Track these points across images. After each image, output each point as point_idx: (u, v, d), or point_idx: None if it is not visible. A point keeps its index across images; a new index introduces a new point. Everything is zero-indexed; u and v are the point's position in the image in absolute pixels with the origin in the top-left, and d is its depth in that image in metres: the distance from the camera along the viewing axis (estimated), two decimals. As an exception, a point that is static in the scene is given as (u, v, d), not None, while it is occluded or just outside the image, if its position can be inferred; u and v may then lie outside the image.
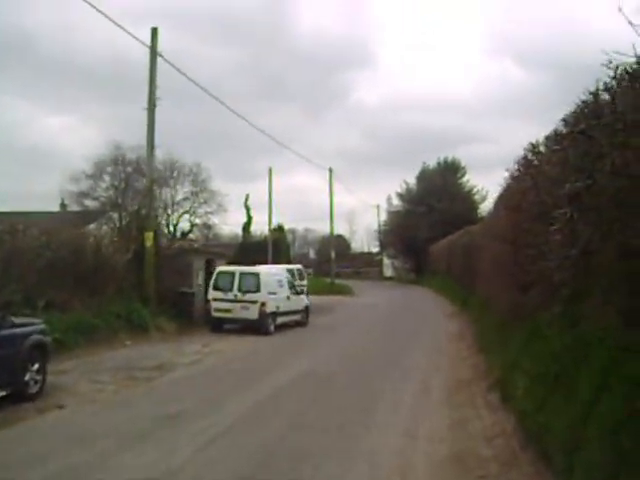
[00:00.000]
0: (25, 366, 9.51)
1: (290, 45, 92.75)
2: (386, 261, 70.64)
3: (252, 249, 36.60)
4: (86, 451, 6.90)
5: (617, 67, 5.49)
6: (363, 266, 72.66)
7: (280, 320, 20.60)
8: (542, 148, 9.45)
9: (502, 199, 13.92)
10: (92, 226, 24.12)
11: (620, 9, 4.57)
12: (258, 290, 19.80)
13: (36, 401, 9.40)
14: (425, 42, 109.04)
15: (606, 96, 5.86)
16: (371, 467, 6.57)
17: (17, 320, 9.81)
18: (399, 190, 61.88)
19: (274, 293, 20.60)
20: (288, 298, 21.67)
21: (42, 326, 10.53)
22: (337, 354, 15.49)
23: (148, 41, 19.86)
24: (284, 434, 7.78)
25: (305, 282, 27.93)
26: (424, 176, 59.71)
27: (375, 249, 77.01)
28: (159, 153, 23.31)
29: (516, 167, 11.02)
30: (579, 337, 6.47)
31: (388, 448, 7.21)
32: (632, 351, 4.61)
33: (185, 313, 20.27)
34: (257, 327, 19.41)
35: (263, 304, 19.61)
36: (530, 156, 10.02)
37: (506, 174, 12.06)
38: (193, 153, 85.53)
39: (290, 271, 26.28)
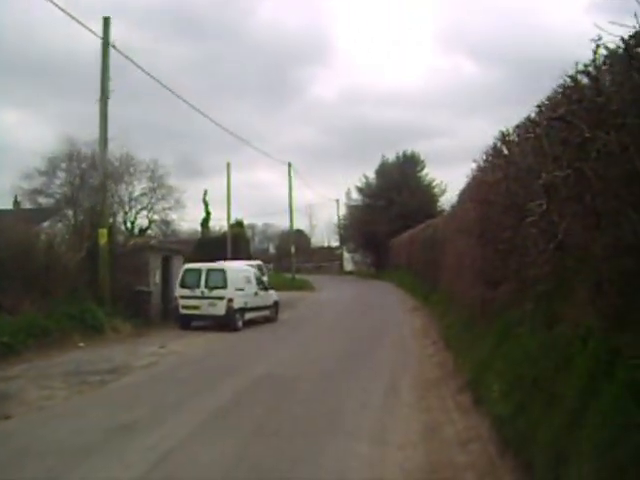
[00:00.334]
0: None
1: (245, 40, 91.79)
2: (346, 255, 70.54)
3: (211, 245, 36.00)
4: (33, 467, 6.41)
5: (597, 46, 5.14)
6: (323, 261, 72.42)
7: (248, 316, 20.58)
8: (513, 137, 9.12)
9: (468, 191, 13.63)
10: (46, 224, 23.25)
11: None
12: (225, 286, 19.70)
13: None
14: (382, 36, 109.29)
15: (585, 80, 5.54)
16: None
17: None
18: (359, 184, 61.73)
19: (242, 289, 20.48)
20: (256, 294, 21.58)
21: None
22: (301, 352, 15.15)
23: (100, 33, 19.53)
24: (247, 442, 7.32)
25: (266, 278, 27.58)
26: (383, 170, 59.45)
27: (335, 243, 76.96)
28: (114, 148, 22.53)
29: (484, 157, 10.71)
30: (557, 338, 6.14)
31: (357, 457, 6.74)
32: (624, 354, 4.25)
33: (142, 313, 19.80)
34: (225, 323, 19.46)
35: (230, 300, 19.56)
36: (499, 145, 9.70)
37: (473, 165, 11.76)
38: (150, 149, 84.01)
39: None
